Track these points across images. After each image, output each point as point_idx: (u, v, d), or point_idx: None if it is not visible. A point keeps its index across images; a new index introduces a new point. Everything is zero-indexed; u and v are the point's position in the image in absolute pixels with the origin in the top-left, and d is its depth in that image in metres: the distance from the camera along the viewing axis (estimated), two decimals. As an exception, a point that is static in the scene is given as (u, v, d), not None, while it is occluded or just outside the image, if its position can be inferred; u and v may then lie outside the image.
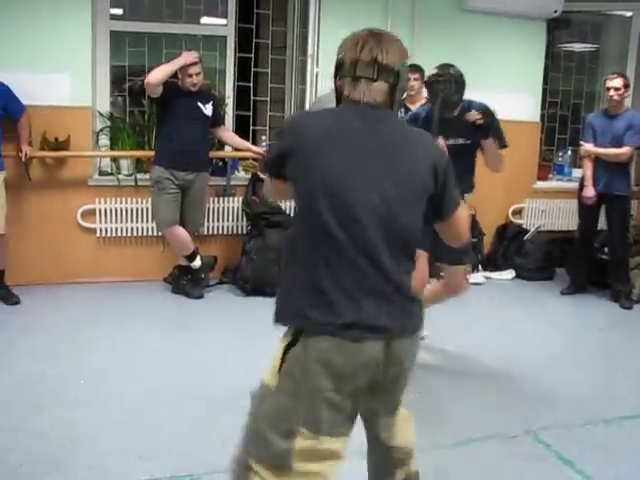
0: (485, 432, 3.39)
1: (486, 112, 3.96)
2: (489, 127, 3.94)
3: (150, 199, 5.43)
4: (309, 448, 1.85)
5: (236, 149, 5.84)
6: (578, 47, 7.47)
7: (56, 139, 5.36)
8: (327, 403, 1.86)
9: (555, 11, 6.47)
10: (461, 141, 3.98)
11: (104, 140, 5.74)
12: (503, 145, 4.06)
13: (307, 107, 5.99)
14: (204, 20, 6.18)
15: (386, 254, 1.87)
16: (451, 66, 3.97)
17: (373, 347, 1.86)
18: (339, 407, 1.88)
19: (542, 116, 7.01)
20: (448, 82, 3.87)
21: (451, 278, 4.15)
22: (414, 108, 5.75)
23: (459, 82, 3.92)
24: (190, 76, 5.15)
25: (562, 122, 7.44)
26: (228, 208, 5.94)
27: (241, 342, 4.52)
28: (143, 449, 3.07)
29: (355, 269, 1.85)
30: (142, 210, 5.69)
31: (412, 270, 1.99)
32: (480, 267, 6.46)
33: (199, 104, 5.26)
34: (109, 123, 5.74)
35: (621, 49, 7.23)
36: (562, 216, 6.87)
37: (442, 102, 3.89)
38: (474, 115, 3.88)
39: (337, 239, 1.84)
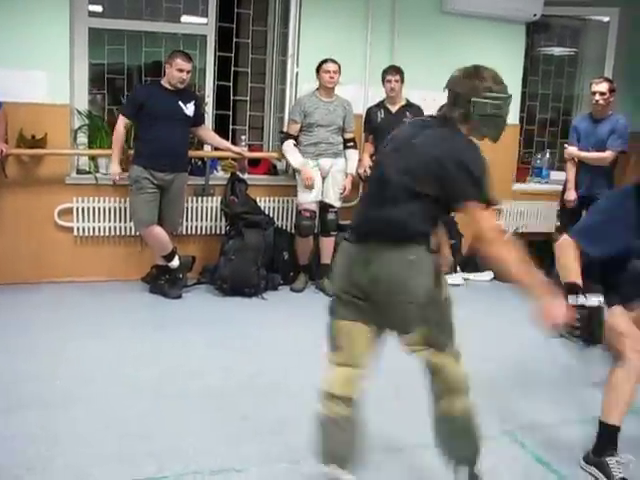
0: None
1: None
2: None
3: (128, 198, 5.39)
4: None
5: (216, 148, 5.82)
6: (557, 51, 7.52)
7: (33, 137, 5.31)
8: None
9: (534, 15, 6.50)
10: None
11: (82, 138, 5.69)
12: None
13: (287, 107, 5.98)
14: (184, 19, 6.15)
15: None
16: None
17: None
18: None
19: (521, 119, 7.04)
20: None
21: None
22: (393, 109, 5.79)
23: None
24: (181, 71, 5.12)
25: (541, 125, 7.49)
26: (207, 208, 5.91)
27: (218, 342, 4.50)
28: (122, 450, 3.05)
29: None
30: (120, 209, 5.64)
31: None
32: (459, 268, 6.47)
33: (180, 103, 5.23)
34: (87, 121, 5.69)
35: (599, 53, 7.28)
36: (540, 218, 6.90)
37: None
38: None
39: None
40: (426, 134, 2.52)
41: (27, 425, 3.23)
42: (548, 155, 7.26)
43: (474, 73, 2.54)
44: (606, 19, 7.20)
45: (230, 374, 3.96)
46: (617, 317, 3.14)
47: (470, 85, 2.50)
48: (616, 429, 3.06)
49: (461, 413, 2.66)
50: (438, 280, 2.56)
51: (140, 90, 5.51)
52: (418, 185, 2.41)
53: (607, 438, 3.07)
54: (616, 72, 6.98)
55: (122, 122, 5.22)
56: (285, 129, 5.81)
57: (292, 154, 5.60)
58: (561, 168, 6.40)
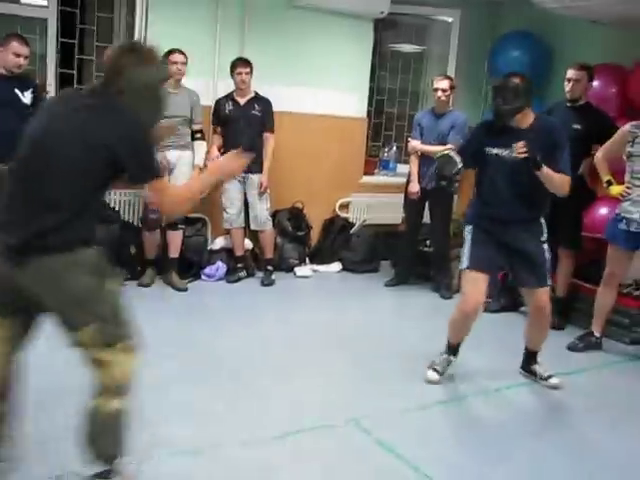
0: (307, 424, 3.44)
1: (553, 132, 3.86)
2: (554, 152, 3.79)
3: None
4: None
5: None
6: (405, 48, 7.73)
7: None
8: None
9: (382, 12, 6.65)
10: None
11: None
12: (566, 173, 3.84)
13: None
14: (24, 0, 5.86)
15: None
16: (517, 75, 3.86)
17: None
18: None
19: (369, 113, 7.20)
20: (502, 89, 3.79)
21: (532, 303, 4.09)
22: (242, 101, 5.77)
23: (517, 90, 3.77)
24: (17, 55, 4.84)
25: (388, 119, 7.70)
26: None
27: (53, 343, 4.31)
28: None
29: None
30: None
31: None
32: (307, 260, 6.55)
33: (16, 91, 4.93)
34: None
35: (443, 51, 7.56)
36: (386, 210, 7.06)
37: (494, 110, 3.88)
38: (518, 147, 3.72)
39: None
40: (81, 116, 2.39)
41: None
42: (395, 148, 7.47)
43: (131, 47, 2.55)
44: (450, 19, 7.48)
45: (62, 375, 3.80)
46: (467, 275, 3.98)
47: (126, 60, 2.43)
48: (453, 345, 4.17)
49: (114, 413, 2.49)
50: (99, 271, 2.46)
51: None
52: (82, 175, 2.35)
53: (450, 351, 4.17)
54: (457, 70, 7.28)
55: None
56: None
57: None
58: (407, 161, 6.59)
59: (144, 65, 2.44)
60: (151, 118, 2.57)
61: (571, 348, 4.90)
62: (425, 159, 5.92)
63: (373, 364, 4.35)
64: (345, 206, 6.96)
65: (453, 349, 4.16)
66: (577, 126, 5.12)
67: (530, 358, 4.28)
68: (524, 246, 3.90)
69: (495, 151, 3.86)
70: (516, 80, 3.78)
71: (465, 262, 3.96)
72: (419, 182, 5.94)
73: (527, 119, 3.85)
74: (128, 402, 2.51)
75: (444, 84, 5.87)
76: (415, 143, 6.00)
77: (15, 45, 4.86)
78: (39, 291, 2.36)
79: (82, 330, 2.39)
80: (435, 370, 4.09)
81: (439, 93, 5.87)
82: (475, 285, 3.90)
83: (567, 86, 5.25)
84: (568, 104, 5.29)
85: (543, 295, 3.97)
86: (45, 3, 5.74)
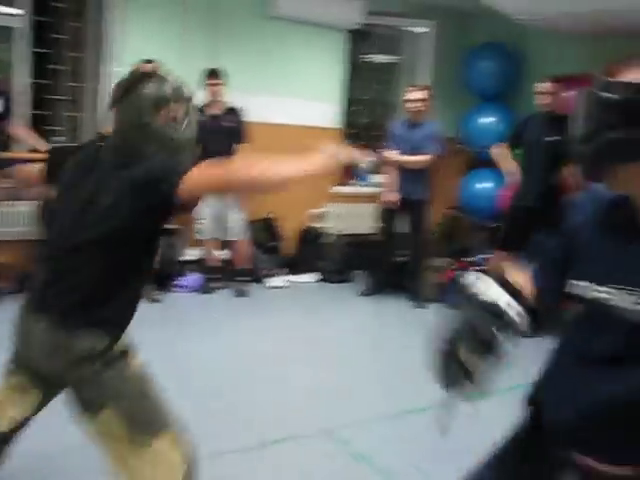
0: (282, 434, 3.44)
1: None
2: None
3: None
4: None
5: (31, 150, 5.53)
6: (379, 58, 7.79)
7: None
8: None
9: (356, 23, 6.70)
10: None
11: None
12: None
13: (104, 107, 5.78)
14: None
15: None
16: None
17: None
18: None
19: (344, 123, 7.22)
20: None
21: None
22: (215, 112, 5.76)
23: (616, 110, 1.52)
24: None
25: (363, 129, 7.72)
26: (19, 212, 5.59)
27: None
28: None
29: None
30: None
31: None
32: (282, 270, 6.52)
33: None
34: None
35: (417, 62, 7.62)
36: (361, 220, 7.10)
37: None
38: None
39: None
40: None
41: None
42: (369, 158, 7.47)
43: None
44: (422, 30, 7.53)
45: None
46: None
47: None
48: None
49: None
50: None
51: None
52: None
53: None
54: (431, 80, 7.33)
55: None
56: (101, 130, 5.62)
57: None
58: (382, 172, 6.60)
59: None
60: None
61: None
62: (401, 169, 5.94)
63: (349, 374, 4.36)
64: (319, 216, 6.96)
65: None
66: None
67: None
68: None
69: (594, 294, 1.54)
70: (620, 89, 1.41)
71: None
72: (395, 191, 5.95)
73: None
74: None
75: (414, 95, 5.91)
76: (391, 153, 6.01)
77: None
78: None
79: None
80: None
81: (408, 104, 5.91)
82: None
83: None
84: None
85: None
86: (21, 12, 5.69)
